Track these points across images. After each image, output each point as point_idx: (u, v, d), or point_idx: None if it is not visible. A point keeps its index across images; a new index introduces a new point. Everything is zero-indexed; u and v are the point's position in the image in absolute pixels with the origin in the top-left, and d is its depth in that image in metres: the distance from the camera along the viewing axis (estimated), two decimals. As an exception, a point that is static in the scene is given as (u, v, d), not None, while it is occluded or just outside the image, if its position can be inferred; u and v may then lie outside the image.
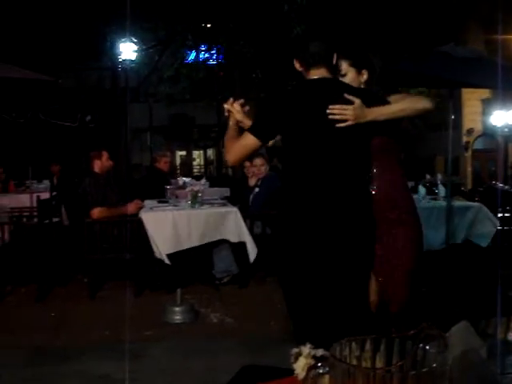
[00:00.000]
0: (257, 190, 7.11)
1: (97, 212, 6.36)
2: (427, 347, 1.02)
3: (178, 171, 23.99)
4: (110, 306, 5.95)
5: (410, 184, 8.03)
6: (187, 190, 6.55)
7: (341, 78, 3.33)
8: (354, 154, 3.05)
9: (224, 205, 6.70)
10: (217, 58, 19.54)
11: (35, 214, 7.47)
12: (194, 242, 6.07)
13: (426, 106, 3.16)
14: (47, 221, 7.01)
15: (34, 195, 8.15)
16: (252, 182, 7.24)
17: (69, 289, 6.67)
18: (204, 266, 6.56)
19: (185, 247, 6.02)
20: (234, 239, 6.19)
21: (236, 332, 5.04)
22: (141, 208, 6.49)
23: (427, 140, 20.32)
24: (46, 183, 11.16)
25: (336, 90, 3.06)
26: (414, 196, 7.29)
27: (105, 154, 6.85)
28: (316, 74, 3.09)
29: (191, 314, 5.43)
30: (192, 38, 17.53)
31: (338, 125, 2.93)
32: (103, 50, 17.48)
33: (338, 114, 2.93)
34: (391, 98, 3.18)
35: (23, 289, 6.61)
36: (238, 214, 6.22)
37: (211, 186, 10.29)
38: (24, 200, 8.98)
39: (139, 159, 22.32)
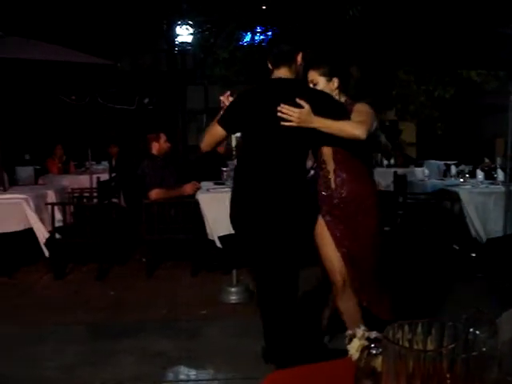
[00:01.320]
0: (312, 172, 7.10)
1: (155, 193, 6.47)
2: (477, 332, 1.03)
3: (234, 153, 24.09)
4: (167, 285, 6.07)
5: (468, 168, 7.91)
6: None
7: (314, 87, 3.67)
8: (293, 151, 3.48)
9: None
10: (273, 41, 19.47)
11: (95, 194, 7.65)
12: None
13: (355, 134, 3.30)
14: (107, 201, 7.16)
15: (94, 176, 8.34)
16: (308, 164, 7.23)
17: (128, 268, 6.82)
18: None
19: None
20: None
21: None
22: (198, 189, 6.56)
23: (488, 122, 19.90)
24: (105, 164, 11.40)
25: (291, 91, 3.41)
26: (472, 181, 7.23)
27: (162, 137, 6.93)
28: (278, 73, 3.54)
29: (246, 294, 5.48)
30: (247, 19, 17.50)
31: (282, 123, 3.29)
32: (159, 32, 17.61)
33: (285, 114, 3.27)
34: (355, 107, 3.59)
35: (84, 267, 6.80)
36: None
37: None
38: (84, 181, 9.19)
39: (196, 141, 22.50)
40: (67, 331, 4.72)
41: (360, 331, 1.32)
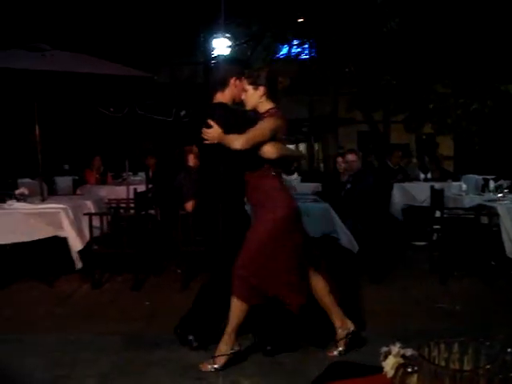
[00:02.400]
0: (348, 185, 7.08)
1: (190, 205, 6.52)
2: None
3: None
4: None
5: (507, 182, 7.80)
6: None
7: (244, 94, 4.24)
8: (216, 162, 4.19)
9: (315, 200, 6.72)
10: (309, 53, 19.47)
11: (132, 205, 7.73)
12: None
13: (232, 145, 3.94)
14: (143, 212, 7.24)
15: (131, 187, 8.43)
16: (344, 177, 7.21)
17: (163, 279, 6.88)
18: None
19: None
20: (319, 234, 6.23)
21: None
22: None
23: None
24: (142, 175, 11.50)
25: (210, 115, 4.10)
26: (511, 196, 7.13)
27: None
28: (215, 98, 4.29)
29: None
30: (284, 32, 17.54)
31: (205, 141, 4.08)
32: (197, 45, 17.77)
33: (205, 134, 4.05)
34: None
35: (120, 277, 6.88)
36: (331, 210, 6.23)
37: (303, 180, 10.31)
38: (121, 192, 9.30)
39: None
40: (103, 341, 4.77)
41: (395, 348, 1.33)
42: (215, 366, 4.07)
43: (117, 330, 5.07)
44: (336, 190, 7.22)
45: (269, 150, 4.02)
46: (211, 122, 4.01)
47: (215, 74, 4.40)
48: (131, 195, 8.07)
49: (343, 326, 4.32)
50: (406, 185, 9.38)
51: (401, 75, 15.73)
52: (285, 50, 19.71)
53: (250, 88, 4.21)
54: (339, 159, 7.44)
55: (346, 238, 6.31)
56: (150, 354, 4.48)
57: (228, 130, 3.98)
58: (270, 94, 4.19)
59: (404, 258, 7.70)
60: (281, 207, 4.06)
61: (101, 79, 7.55)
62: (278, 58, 19.44)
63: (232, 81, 4.25)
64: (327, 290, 4.30)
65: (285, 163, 4.30)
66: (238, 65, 4.47)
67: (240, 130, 3.95)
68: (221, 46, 17.02)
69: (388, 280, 6.56)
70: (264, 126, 4.02)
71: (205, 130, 4.04)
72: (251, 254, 4.00)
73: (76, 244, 6.49)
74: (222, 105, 4.22)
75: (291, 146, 27.11)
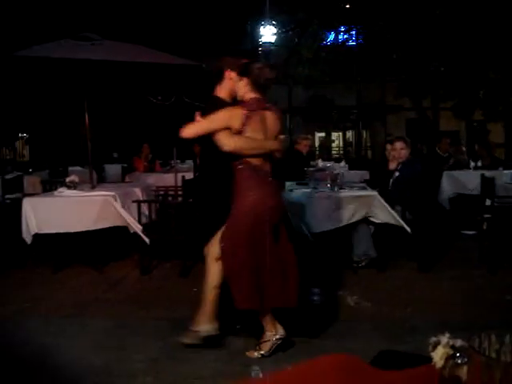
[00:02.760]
0: (397, 173, 7.00)
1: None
2: None
3: (317, 153, 23.99)
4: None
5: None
6: (327, 172, 6.58)
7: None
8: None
9: (363, 188, 6.68)
10: (356, 39, 19.29)
11: (180, 193, 7.79)
12: (333, 224, 6.13)
13: (181, 134, 4.11)
14: (191, 200, 7.29)
15: (179, 175, 8.49)
16: (392, 165, 7.12)
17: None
18: (343, 248, 6.58)
19: (323, 229, 6.09)
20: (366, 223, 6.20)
21: (373, 316, 5.03)
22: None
23: None
24: (190, 163, 11.60)
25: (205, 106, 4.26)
26: None
27: None
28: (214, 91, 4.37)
29: (329, 296, 5.47)
30: (331, 19, 17.42)
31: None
32: (244, 33, 17.79)
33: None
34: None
35: (168, 264, 6.96)
36: (378, 197, 6.19)
37: (350, 168, 10.25)
38: (169, 179, 9.37)
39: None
40: (151, 326, 4.85)
41: (445, 339, 1.31)
42: (261, 352, 4.10)
43: (165, 315, 5.14)
44: (384, 178, 7.14)
45: (222, 143, 3.99)
46: (197, 114, 4.14)
47: (213, 66, 4.48)
48: (179, 183, 8.14)
49: (274, 330, 4.20)
50: (456, 173, 9.24)
51: (450, 61, 15.46)
52: (331, 37, 19.58)
53: (236, 78, 4.20)
54: (388, 146, 7.36)
55: (396, 220, 6.26)
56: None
57: None
58: (254, 85, 4.10)
59: (453, 247, 7.59)
60: (241, 204, 4.05)
61: (149, 68, 7.62)
62: (325, 44, 19.32)
63: (227, 73, 4.29)
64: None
65: (259, 156, 4.10)
66: (233, 57, 4.43)
67: None
68: (267, 33, 17.01)
69: (437, 269, 6.48)
70: (214, 117, 4.03)
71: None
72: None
73: (136, 226, 6.58)
74: (213, 98, 4.28)
75: (338, 134, 27.02)
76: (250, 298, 4.03)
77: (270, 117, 4.13)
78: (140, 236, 6.58)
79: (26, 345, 4.37)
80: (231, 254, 4.05)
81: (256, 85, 4.10)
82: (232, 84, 4.24)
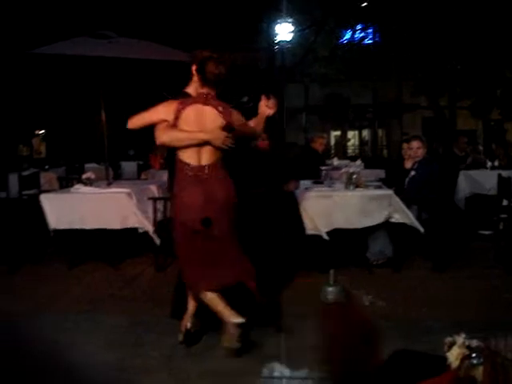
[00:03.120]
0: (413, 172, 6.97)
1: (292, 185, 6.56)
2: None
3: (333, 151, 23.95)
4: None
5: None
6: (342, 171, 6.56)
7: None
8: None
9: (379, 187, 6.65)
10: (373, 38, 19.22)
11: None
12: (348, 223, 6.11)
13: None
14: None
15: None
16: (408, 164, 7.09)
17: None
18: (358, 247, 6.56)
19: (336, 226, 6.08)
20: (382, 220, 6.17)
21: (388, 316, 5.00)
22: (296, 188, 6.59)
23: None
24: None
25: None
26: None
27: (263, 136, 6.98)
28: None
29: (343, 295, 5.44)
30: (347, 17, 17.37)
31: None
32: (259, 30, 17.77)
33: None
34: None
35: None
36: (395, 198, 6.16)
37: (366, 167, 10.22)
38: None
39: (294, 138, 22.56)
40: (167, 323, 4.85)
41: (460, 339, 1.31)
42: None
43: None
44: (400, 176, 7.11)
45: (156, 135, 4.07)
46: None
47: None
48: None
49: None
50: (473, 172, 9.17)
51: (467, 59, 15.36)
52: (348, 35, 19.52)
53: (194, 73, 4.26)
54: (404, 145, 7.33)
55: (410, 220, 6.23)
56: (213, 336, 4.53)
57: None
58: (203, 81, 4.15)
59: (469, 247, 7.54)
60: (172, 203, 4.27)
61: (164, 65, 7.64)
62: (341, 43, 19.28)
63: (192, 68, 4.28)
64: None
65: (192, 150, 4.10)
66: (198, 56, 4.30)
67: None
68: (283, 31, 16.97)
69: (452, 269, 6.44)
70: (152, 110, 4.13)
71: None
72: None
73: (146, 226, 6.61)
74: (181, 93, 4.32)
75: (354, 132, 26.95)
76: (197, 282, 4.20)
77: (209, 112, 4.09)
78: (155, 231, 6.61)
79: (42, 340, 4.40)
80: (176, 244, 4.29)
81: (204, 81, 4.14)
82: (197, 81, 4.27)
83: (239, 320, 4.00)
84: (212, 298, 4.11)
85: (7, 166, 10.28)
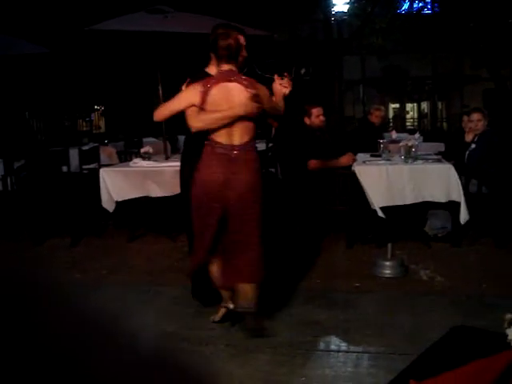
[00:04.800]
0: (473, 146, 6.82)
1: (312, 164, 6.54)
2: None
3: (391, 124, 23.62)
4: (322, 255, 6.11)
5: None
6: (401, 144, 6.47)
7: None
8: None
9: (438, 161, 6.54)
10: (432, 8, 18.77)
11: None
12: (406, 198, 6.04)
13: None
14: (264, 170, 7.31)
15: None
16: (469, 137, 6.94)
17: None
18: (417, 221, 6.49)
19: (397, 203, 6.01)
20: (444, 199, 6.04)
21: (446, 291, 4.95)
22: (354, 161, 6.55)
23: None
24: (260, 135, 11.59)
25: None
26: None
27: (314, 112, 6.92)
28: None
29: (401, 269, 5.42)
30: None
31: None
32: (316, 2, 17.55)
33: None
34: None
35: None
36: (454, 171, 6.04)
37: (425, 140, 10.04)
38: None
39: (352, 111, 22.32)
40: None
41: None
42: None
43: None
44: (460, 150, 6.97)
45: (189, 124, 3.97)
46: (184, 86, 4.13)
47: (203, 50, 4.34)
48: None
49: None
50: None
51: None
52: (406, 6, 19.11)
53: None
54: (465, 118, 7.17)
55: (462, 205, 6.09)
56: (273, 309, 4.56)
57: None
58: (220, 57, 3.99)
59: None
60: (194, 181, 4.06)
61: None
62: (400, 13, 18.89)
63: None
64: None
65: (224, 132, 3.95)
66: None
67: None
68: (340, 2, 16.74)
69: (514, 244, 6.32)
70: (177, 98, 4.03)
71: None
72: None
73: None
74: (201, 72, 4.20)
75: (412, 105, 26.51)
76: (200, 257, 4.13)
77: (235, 87, 3.93)
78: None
79: (102, 311, 4.51)
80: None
81: (219, 58, 4.01)
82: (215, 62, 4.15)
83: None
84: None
85: (68, 141, 10.51)
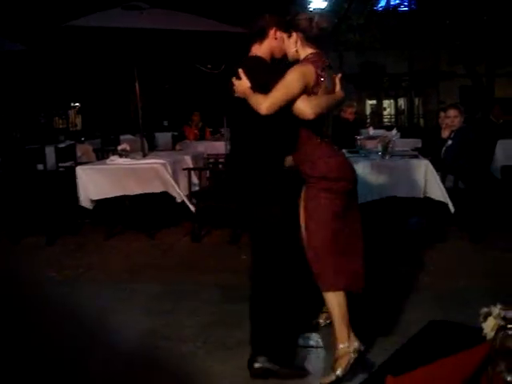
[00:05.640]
0: (449, 142, 6.87)
1: (288, 161, 6.54)
2: None
3: (368, 121, 23.72)
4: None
5: None
6: (378, 140, 6.50)
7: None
8: (247, 120, 3.52)
9: (415, 156, 6.58)
10: (408, 5, 18.88)
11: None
12: (383, 193, 6.06)
13: (257, 109, 3.28)
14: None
15: (229, 142, 8.51)
16: (445, 133, 6.99)
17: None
18: (395, 217, 6.53)
19: (369, 199, 6.04)
20: (420, 195, 6.08)
21: (425, 287, 4.98)
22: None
23: None
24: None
25: (243, 65, 3.53)
26: None
27: None
28: (251, 51, 3.70)
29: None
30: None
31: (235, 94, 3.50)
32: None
33: (234, 85, 3.49)
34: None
35: (218, 231, 7.02)
36: (431, 167, 6.08)
37: (402, 136, 10.10)
38: (219, 147, 9.42)
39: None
40: (203, 292, 4.92)
41: (496, 310, 1.30)
42: (337, 372, 3.30)
43: (216, 282, 5.21)
44: (437, 146, 7.02)
45: (304, 110, 3.33)
46: (241, 74, 3.44)
47: (252, 25, 3.77)
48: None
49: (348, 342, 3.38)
50: (510, 142, 8.98)
51: (506, 26, 15.00)
52: (383, 2, 19.20)
53: (285, 36, 3.62)
54: (441, 114, 7.23)
55: (444, 196, 6.14)
56: (244, 305, 4.57)
57: (259, 87, 3.37)
58: (307, 39, 3.54)
59: (505, 218, 7.45)
60: (335, 180, 3.44)
61: (198, 36, 7.61)
62: (376, 10, 18.97)
63: (271, 32, 3.64)
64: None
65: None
66: (278, 14, 3.84)
67: (267, 88, 3.33)
68: (318, -1, 16.78)
69: (489, 240, 6.38)
70: (288, 81, 3.33)
71: (235, 82, 3.48)
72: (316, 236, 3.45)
73: (179, 195, 6.65)
74: (255, 58, 3.68)
75: (389, 101, 26.66)
76: (337, 279, 3.41)
77: (329, 72, 3.58)
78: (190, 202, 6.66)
79: (79, 308, 4.47)
80: (316, 232, 3.44)
81: (309, 38, 3.54)
82: (275, 43, 3.68)
83: (358, 346, 3.39)
84: (341, 303, 3.40)
85: (44, 139, 10.41)
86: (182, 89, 15.13)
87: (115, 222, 7.10)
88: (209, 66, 9.89)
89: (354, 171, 3.62)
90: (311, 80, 3.39)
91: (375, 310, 4.37)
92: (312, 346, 3.89)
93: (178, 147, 10.17)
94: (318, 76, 3.41)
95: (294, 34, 3.57)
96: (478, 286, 4.88)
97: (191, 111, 11.74)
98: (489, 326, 1.27)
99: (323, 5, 16.94)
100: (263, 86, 3.37)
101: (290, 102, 3.31)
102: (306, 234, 3.48)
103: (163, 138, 12.25)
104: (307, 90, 3.37)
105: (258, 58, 3.65)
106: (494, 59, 17.57)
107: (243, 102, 3.40)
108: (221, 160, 8.32)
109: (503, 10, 14.40)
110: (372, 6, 18.61)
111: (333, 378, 3.27)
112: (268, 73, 3.55)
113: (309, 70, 3.41)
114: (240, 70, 3.45)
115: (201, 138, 11.24)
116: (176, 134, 11.99)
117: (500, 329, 1.21)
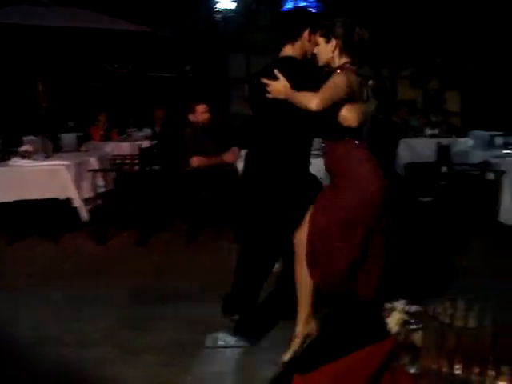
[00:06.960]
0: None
1: (195, 161, 6.51)
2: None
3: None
4: (206, 254, 6.10)
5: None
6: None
7: (316, 48, 3.63)
8: (278, 121, 3.61)
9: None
10: (316, 7, 19.20)
11: (136, 161, 7.73)
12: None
13: (307, 105, 3.24)
14: (148, 168, 7.23)
15: (135, 143, 8.40)
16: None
17: (169, 235, 6.88)
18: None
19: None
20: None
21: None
22: (238, 158, 6.57)
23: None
24: (147, 131, 11.45)
25: (278, 66, 3.53)
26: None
27: (199, 108, 6.87)
28: (283, 51, 3.74)
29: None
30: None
31: (267, 95, 3.47)
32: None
33: (267, 86, 3.46)
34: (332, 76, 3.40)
35: (126, 233, 6.90)
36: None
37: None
38: (125, 148, 9.28)
39: (238, 108, 22.45)
40: (110, 296, 4.81)
41: (399, 305, 1.31)
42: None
43: (123, 285, 5.11)
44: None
45: (349, 117, 3.42)
46: (279, 74, 3.45)
47: (286, 24, 3.75)
48: (136, 151, 8.05)
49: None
50: (412, 141, 9.27)
51: (407, 29, 15.52)
52: (290, 4, 19.43)
53: (321, 41, 3.60)
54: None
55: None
56: (157, 308, 4.51)
57: (298, 87, 3.39)
58: (345, 48, 3.55)
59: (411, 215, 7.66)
60: (371, 182, 3.46)
61: (103, 34, 7.47)
62: (284, 11, 19.18)
63: (305, 33, 3.68)
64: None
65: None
66: (313, 15, 3.90)
67: (312, 87, 3.32)
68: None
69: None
70: (337, 83, 3.36)
71: (270, 82, 3.47)
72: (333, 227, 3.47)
73: (77, 200, 6.51)
74: (291, 58, 3.70)
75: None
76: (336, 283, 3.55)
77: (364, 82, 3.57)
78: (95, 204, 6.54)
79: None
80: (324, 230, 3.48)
81: (348, 47, 3.56)
82: (308, 45, 3.68)
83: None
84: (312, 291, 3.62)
85: None
86: (89, 88, 14.79)
87: (18, 227, 6.85)
88: (116, 66, 9.71)
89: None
90: (355, 88, 3.43)
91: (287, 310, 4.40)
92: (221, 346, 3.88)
93: (83, 148, 9.93)
94: (360, 85, 3.47)
95: (334, 41, 3.57)
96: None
97: (98, 111, 11.49)
98: (393, 321, 1.28)
99: (231, 5, 16.94)
100: (302, 86, 3.38)
101: (335, 105, 3.35)
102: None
103: (68, 139, 11.92)
104: (352, 97, 3.42)
105: (294, 59, 3.69)
106: (396, 62, 18.13)
107: (274, 103, 3.47)
108: (127, 161, 8.19)
109: (403, 12, 14.87)
110: (279, 7, 18.82)
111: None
112: (310, 74, 3.62)
113: (354, 78, 3.44)
114: (276, 71, 3.46)
115: (107, 138, 11.01)
116: (82, 134, 11.70)
117: (404, 323, 1.23)
